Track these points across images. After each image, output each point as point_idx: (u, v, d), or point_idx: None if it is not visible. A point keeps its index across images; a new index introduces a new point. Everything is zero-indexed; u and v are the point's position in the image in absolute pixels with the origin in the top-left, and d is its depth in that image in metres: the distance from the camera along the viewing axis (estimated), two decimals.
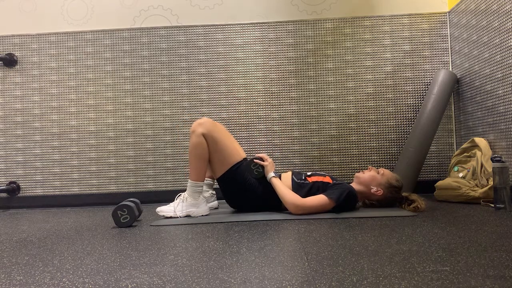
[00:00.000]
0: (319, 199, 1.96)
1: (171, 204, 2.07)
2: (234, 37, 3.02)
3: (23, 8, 3.09)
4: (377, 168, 2.16)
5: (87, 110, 3.04)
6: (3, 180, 3.03)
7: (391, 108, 2.96)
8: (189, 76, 3.02)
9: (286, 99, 2.99)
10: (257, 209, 2.15)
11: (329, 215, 1.91)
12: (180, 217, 2.03)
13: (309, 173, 2.16)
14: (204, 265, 1.09)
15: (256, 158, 2.11)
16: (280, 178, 2.13)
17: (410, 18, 2.97)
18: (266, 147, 2.97)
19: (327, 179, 2.10)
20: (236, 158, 2.09)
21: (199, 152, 2.02)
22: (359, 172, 2.16)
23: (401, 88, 2.96)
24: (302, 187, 2.06)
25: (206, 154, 2.04)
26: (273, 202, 2.09)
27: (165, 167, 2.99)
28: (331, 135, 2.96)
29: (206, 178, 2.34)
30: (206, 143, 2.03)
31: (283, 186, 2.04)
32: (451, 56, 2.94)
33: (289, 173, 2.16)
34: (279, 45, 3.01)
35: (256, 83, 3.00)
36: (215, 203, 2.42)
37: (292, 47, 3.01)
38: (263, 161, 2.10)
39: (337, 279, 0.91)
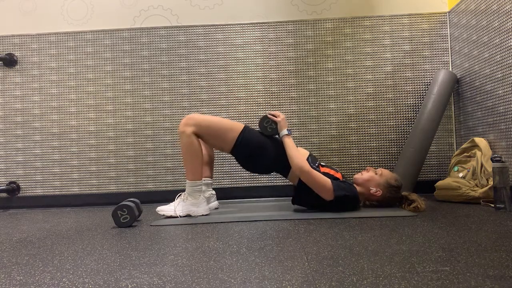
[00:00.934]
0: (324, 180, 1.97)
1: (171, 203, 2.07)
2: (234, 37, 3.02)
3: (23, 8, 3.09)
4: (376, 168, 2.15)
5: (87, 110, 3.04)
6: (3, 180, 3.03)
7: (391, 108, 2.96)
8: (189, 76, 3.02)
9: (286, 99, 2.99)
10: (271, 170, 2.17)
11: (329, 215, 1.91)
12: (180, 216, 2.03)
13: (323, 164, 2.16)
14: (204, 265, 1.09)
15: (269, 114, 2.12)
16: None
17: (410, 18, 2.97)
18: None
19: (338, 175, 2.10)
20: (238, 128, 2.10)
21: (191, 151, 2.02)
22: (357, 173, 2.16)
23: (401, 88, 2.96)
24: None
25: (199, 152, 2.05)
26: (284, 168, 2.09)
27: (165, 167, 2.99)
28: (331, 135, 2.96)
29: (204, 178, 2.33)
30: (199, 138, 2.05)
31: (294, 146, 2.05)
32: (451, 56, 2.94)
33: (307, 153, 2.15)
34: (279, 45, 3.01)
35: (256, 83, 3.00)
36: (215, 203, 2.42)
37: (292, 47, 3.01)
38: (276, 117, 2.11)
39: (337, 279, 0.91)
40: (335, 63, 2.99)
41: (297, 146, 2.12)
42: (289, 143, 2.04)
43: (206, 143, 2.16)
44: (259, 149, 2.09)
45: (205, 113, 2.99)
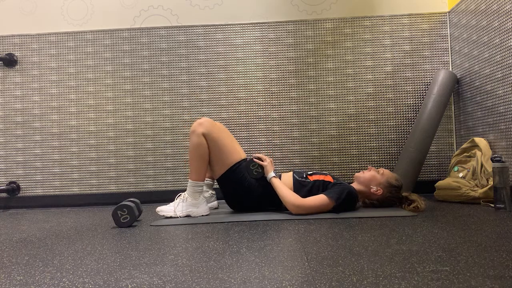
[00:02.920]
0: (319, 199, 1.96)
1: (171, 204, 2.07)
2: (234, 37, 3.02)
3: (23, 8, 3.09)
4: (377, 168, 2.15)
5: (87, 110, 3.04)
6: (3, 180, 3.03)
7: (391, 108, 2.96)
8: (189, 76, 3.02)
9: (286, 99, 2.99)
10: (256, 209, 2.15)
11: (329, 215, 1.91)
12: (180, 217, 2.03)
13: (310, 172, 2.16)
14: (204, 265, 1.09)
15: (255, 158, 2.11)
16: (280, 178, 2.13)
17: (410, 18, 2.97)
18: (266, 147, 2.97)
19: (328, 178, 2.10)
20: (235, 158, 2.09)
21: (200, 152, 2.02)
22: (359, 172, 2.17)
23: (401, 88, 2.96)
24: (303, 186, 2.06)
25: (207, 154, 2.05)
26: (273, 202, 2.09)
27: (165, 167, 2.99)
28: (331, 135, 2.96)
29: (206, 178, 2.34)
30: (207, 143, 2.03)
31: (283, 186, 2.04)
32: (451, 56, 2.94)
33: (290, 173, 2.15)
34: (279, 45, 3.01)
35: (256, 83, 3.00)
36: (215, 203, 2.42)
37: (292, 47, 3.01)
38: (262, 161, 2.10)
39: (337, 279, 0.91)
40: (335, 63, 2.99)
41: (280, 176, 2.14)
42: (277, 183, 2.03)
43: None
44: (242, 188, 2.08)
45: (205, 113, 2.99)
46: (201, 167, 2.04)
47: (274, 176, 2.07)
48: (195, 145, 2.02)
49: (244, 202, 2.14)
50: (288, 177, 2.13)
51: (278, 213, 2.05)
